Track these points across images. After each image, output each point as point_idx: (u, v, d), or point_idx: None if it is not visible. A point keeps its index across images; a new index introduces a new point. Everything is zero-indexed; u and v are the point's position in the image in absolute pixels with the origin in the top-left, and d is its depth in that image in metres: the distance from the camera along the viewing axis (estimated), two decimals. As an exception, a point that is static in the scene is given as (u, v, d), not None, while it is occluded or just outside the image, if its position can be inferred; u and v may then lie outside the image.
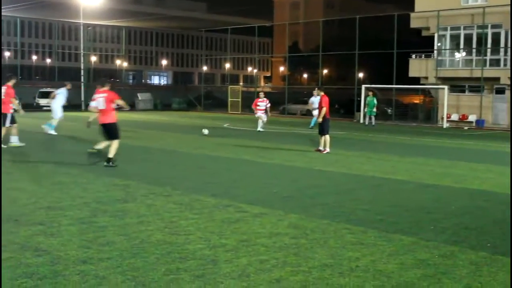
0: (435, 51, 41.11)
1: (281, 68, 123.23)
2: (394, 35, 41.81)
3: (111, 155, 13.88)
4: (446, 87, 38.74)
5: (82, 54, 58.16)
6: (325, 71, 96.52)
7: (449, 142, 24.31)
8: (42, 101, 49.18)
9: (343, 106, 48.12)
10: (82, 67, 56.05)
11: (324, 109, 17.96)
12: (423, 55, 42.68)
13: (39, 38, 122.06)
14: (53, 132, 23.01)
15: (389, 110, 43.74)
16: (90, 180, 11.79)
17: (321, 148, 18.19)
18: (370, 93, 36.83)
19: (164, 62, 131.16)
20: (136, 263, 6.16)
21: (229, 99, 51.25)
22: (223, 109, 51.54)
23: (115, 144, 13.99)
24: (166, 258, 6.37)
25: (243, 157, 16.62)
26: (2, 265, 5.98)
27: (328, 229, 7.95)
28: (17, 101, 17.93)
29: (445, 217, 8.94)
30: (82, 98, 52.67)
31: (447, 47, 40.92)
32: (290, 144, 20.77)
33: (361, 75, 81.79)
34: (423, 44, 46.07)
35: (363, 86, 41.72)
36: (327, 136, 18.20)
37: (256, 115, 27.83)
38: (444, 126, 37.27)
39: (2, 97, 16.98)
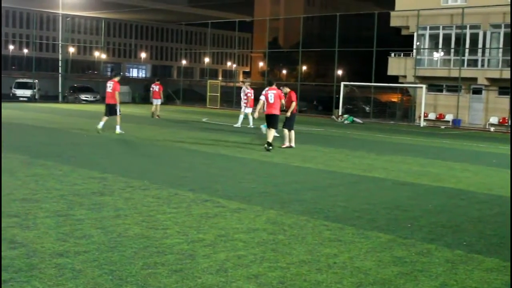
0: (414, 50, 41.39)
1: (261, 64, 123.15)
2: (374, 33, 42.00)
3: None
4: (424, 86, 39.05)
5: (60, 45, 57.57)
6: (304, 68, 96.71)
7: (426, 141, 24.50)
8: (19, 92, 48.63)
9: (322, 102, 48.29)
10: (60, 58, 55.52)
11: (294, 104, 18.18)
12: (402, 54, 42.95)
13: (16, 28, 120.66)
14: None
15: (367, 108, 44.02)
16: (66, 172, 11.69)
17: (286, 143, 18.25)
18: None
19: (143, 55, 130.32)
20: (113, 257, 6.12)
21: (208, 94, 51.15)
22: (202, 104, 51.42)
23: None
24: (143, 252, 6.33)
25: (221, 152, 16.59)
26: (-24, 257, 5.90)
27: (306, 225, 7.97)
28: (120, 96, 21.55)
29: (421, 215, 9.00)
30: (60, 90, 52.15)
31: (426, 46, 41.22)
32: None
33: (340, 72, 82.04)
34: (402, 43, 46.41)
35: (342, 83, 41.90)
36: (292, 132, 18.31)
37: (245, 111, 27.29)
38: (421, 125, 37.59)
39: (110, 90, 20.87)
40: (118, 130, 21.00)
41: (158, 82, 32.76)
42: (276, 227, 7.79)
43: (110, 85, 21.02)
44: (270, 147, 17.15)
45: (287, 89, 18.90)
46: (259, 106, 18.41)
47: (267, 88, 18.01)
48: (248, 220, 8.13)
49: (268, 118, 17.71)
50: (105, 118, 20.90)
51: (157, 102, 31.91)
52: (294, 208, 9.10)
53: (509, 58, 37.06)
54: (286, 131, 18.20)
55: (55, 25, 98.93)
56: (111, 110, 20.91)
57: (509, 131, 33.69)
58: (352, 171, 13.79)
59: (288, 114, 18.25)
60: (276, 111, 17.62)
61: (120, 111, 21.15)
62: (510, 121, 36.76)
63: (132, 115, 33.75)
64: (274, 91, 17.66)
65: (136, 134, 21.03)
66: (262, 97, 18.12)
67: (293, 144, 18.24)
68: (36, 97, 48.83)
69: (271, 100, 17.58)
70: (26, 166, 12.32)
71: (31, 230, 7.09)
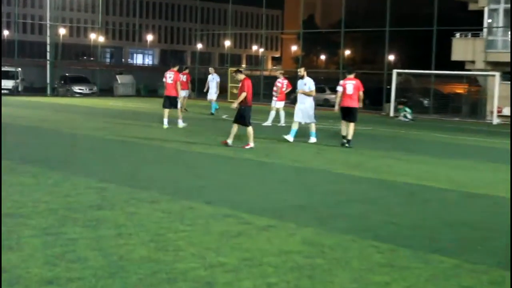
0: (485, 29, 41.03)
1: (294, 48, 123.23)
2: (434, 9, 41.74)
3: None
4: (497, 74, 38.63)
5: (48, 25, 58.18)
6: (347, 52, 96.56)
7: (500, 142, 24.26)
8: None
9: (369, 95, 48.09)
10: (48, 42, 56.02)
11: (244, 94, 18.21)
12: (469, 34, 42.61)
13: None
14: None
15: (426, 102, 43.74)
16: (57, 181, 11.79)
17: (229, 141, 18.32)
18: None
19: (149, 37, 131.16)
20: (114, 285, 6.16)
21: (229, 85, 51.17)
22: (222, 97, 51.48)
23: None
24: (151, 279, 6.37)
25: (245, 156, 16.63)
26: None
27: (351, 246, 7.95)
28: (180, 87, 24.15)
29: (495, 235, 8.93)
30: (48, 80, 52.65)
31: (500, 24, 40.83)
32: (304, 142, 20.75)
33: (392, 57, 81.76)
34: (469, 20, 46.01)
35: (395, 71, 41.71)
36: (250, 128, 18.30)
37: (276, 105, 27.60)
38: (494, 122, 37.24)
39: (170, 81, 23.45)
40: (180, 124, 23.81)
41: (186, 71, 33.31)
42: (314, 249, 7.78)
43: (170, 76, 23.55)
44: (345, 140, 19.47)
45: (241, 76, 18.88)
46: (337, 99, 19.97)
47: (345, 78, 19.89)
48: (279, 240, 8.13)
49: (345, 110, 19.52)
50: (166, 111, 23.50)
51: (184, 94, 32.37)
52: (336, 225, 9.08)
53: None
54: (250, 128, 18.26)
55: (41, 1, 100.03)
56: (172, 102, 23.49)
57: None
58: (407, 179, 13.72)
59: (234, 105, 18.51)
60: (354, 103, 19.45)
61: (181, 104, 24.04)
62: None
63: (137, 111, 34.00)
64: (354, 82, 19.47)
65: (142, 134, 21.17)
66: (340, 88, 19.81)
67: (252, 144, 18.26)
68: (20, 89, 49.52)
69: (349, 91, 19.36)
70: (8, 173, 12.44)
71: (14, 251, 7.16)
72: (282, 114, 27.17)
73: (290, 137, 20.01)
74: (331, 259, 7.37)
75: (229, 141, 18.37)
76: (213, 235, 8.25)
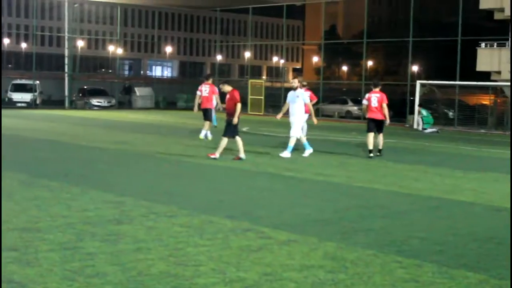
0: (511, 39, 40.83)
1: (315, 59, 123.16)
2: (458, 18, 41.61)
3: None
4: (524, 84, 38.43)
5: (66, 37, 58.56)
6: (370, 63, 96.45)
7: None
8: (16, 96, 49.49)
9: (392, 106, 47.93)
10: (66, 54, 56.32)
11: (240, 106, 18.26)
12: (495, 44, 42.41)
13: (12, 17, 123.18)
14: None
15: (451, 113, 43.53)
16: (75, 195, 11.87)
17: (217, 154, 18.27)
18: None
19: (168, 49, 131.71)
20: (133, 300, 6.19)
21: (250, 97, 51.25)
22: (242, 109, 51.46)
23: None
24: (170, 294, 6.38)
25: (266, 169, 16.64)
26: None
27: (374, 261, 7.93)
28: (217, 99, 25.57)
29: (522, 249, 8.86)
30: (66, 93, 52.94)
31: (526, 34, 40.59)
32: (326, 154, 20.74)
33: (415, 68, 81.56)
34: (495, 30, 45.83)
35: (418, 82, 41.58)
36: (239, 139, 18.33)
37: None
38: (521, 134, 36.95)
39: (206, 94, 24.71)
40: (202, 135, 24.56)
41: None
42: (336, 263, 7.78)
43: (206, 89, 24.84)
44: (371, 154, 20.05)
45: (228, 87, 18.80)
46: (364, 111, 21.31)
47: (370, 91, 20.62)
48: (301, 255, 8.13)
49: (372, 122, 20.32)
50: (207, 124, 24.47)
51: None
52: (358, 240, 9.06)
53: None
54: (225, 140, 18.21)
55: (60, 13, 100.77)
56: (206, 114, 24.64)
57: None
58: (432, 193, 13.66)
59: (235, 120, 18.23)
60: (380, 115, 20.27)
61: (214, 117, 25.32)
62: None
63: (156, 124, 34.12)
64: (378, 95, 20.17)
65: (160, 148, 21.24)
66: (365, 101, 20.68)
67: (242, 155, 18.26)
68: (37, 102, 49.77)
69: (374, 104, 20.15)
70: (26, 187, 12.55)
71: (32, 266, 7.22)
72: (304, 127, 27.03)
73: (287, 153, 19.44)
74: (353, 274, 7.36)
75: (217, 154, 18.31)
76: (233, 249, 8.27)
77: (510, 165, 18.22)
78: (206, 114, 24.73)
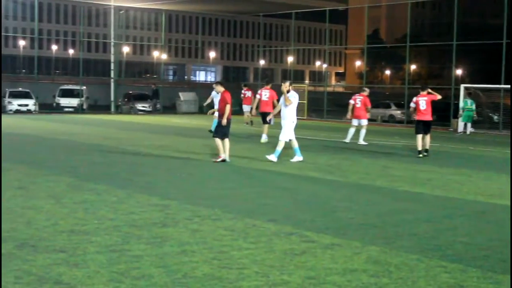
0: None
1: (358, 63, 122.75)
2: (503, 20, 41.10)
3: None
4: None
5: (112, 43, 59.22)
6: (413, 67, 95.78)
7: None
8: (63, 101, 50.16)
9: (436, 111, 47.51)
10: (112, 60, 56.92)
11: (228, 107, 18.17)
12: (540, 47, 41.79)
13: (60, 24, 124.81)
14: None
15: (496, 117, 43.00)
16: (121, 198, 12.00)
17: (222, 155, 18.28)
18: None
19: (212, 54, 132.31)
20: (178, 302, 6.22)
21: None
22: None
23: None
24: (214, 297, 6.41)
25: (310, 174, 16.61)
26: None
27: (418, 266, 7.87)
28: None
29: None
30: (112, 98, 53.48)
31: None
32: (369, 158, 20.64)
33: (459, 72, 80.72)
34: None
35: (462, 86, 41.15)
36: (227, 141, 18.33)
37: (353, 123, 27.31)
38: None
39: (266, 99, 26.15)
40: (264, 139, 25.35)
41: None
42: (380, 268, 7.74)
43: (266, 94, 26.27)
44: (420, 154, 21.36)
45: (220, 88, 18.87)
46: (412, 114, 22.71)
47: (418, 94, 21.90)
48: (344, 258, 8.11)
49: (420, 124, 21.70)
50: (265, 127, 25.58)
51: (247, 108, 35.19)
52: (402, 244, 9.01)
53: None
54: (218, 140, 18.30)
55: (106, 20, 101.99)
56: (264, 118, 25.70)
57: None
58: (477, 197, 13.53)
59: (224, 121, 18.18)
60: (428, 117, 21.75)
61: (272, 121, 25.70)
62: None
63: (200, 128, 34.27)
64: (425, 98, 21.60)
65: (205, 151, 21.33)
66: (413, 104, 22.10)
67: (227, 157, 18.28)
68: (84, 107, 50.32)
69: (423, 107, 21.53)
70: (73, 190, 12.72)
71: (79, 268, 7.31)
72: (363, 132, 26.84)
73: (273, 157, 18.95)
74: (397, 278, 7.31)
75: (223, 155, 18.37)
76: (277, 253, 8.27)
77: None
78: (265, 118, 25.67)
